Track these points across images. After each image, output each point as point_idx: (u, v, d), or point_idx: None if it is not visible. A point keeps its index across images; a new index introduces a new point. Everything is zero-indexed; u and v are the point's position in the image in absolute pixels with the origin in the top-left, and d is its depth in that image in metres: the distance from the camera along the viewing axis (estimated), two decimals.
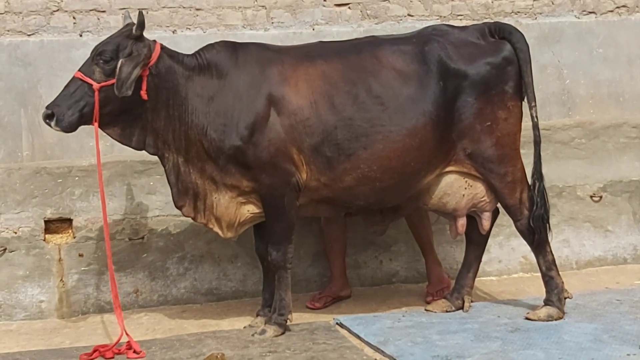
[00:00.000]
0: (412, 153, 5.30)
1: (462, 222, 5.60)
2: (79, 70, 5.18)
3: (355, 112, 5.27)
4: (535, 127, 5.45)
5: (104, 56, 5.14)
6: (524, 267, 6.62)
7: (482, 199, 5.53)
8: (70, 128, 5.15)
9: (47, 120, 5.13)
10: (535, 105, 5.43)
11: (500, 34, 5.53)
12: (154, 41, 5.29)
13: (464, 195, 5.51)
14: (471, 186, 5.50)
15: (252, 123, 5.22)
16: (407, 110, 5.29)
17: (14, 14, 6.34)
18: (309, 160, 5.27)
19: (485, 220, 5.61)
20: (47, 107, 5.15)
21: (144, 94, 5.15)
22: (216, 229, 5.46)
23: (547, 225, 5.49)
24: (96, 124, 5.15)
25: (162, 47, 5.30)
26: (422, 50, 5.38)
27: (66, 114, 5.11)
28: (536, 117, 5.43)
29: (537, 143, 5.47)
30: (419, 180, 5.42)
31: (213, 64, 5.32)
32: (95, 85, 5.11)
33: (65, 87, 5.18)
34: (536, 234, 5.45)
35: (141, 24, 5.15)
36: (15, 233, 5.87)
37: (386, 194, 5.42)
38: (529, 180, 5.50)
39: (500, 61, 5.41)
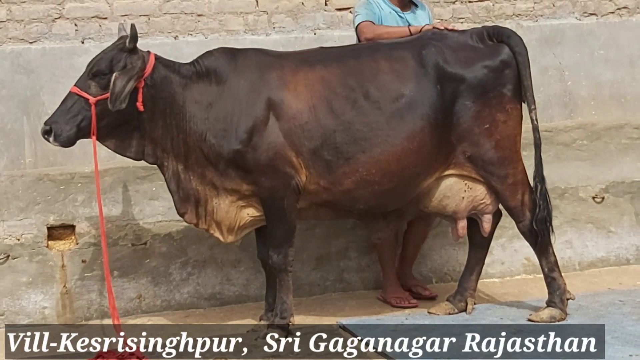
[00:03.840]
0: (411, 157, 5.31)
1: (462, 225, 5.60)
2: (75, 85, 5.24)
3: (354, 116, 5.28)
4: (536, 129, 5.46)
5: (98, 70, 5.19)
6: (527, 268, 6.61)
7: (482, 201, 5.53)
8: (68, 143, 5.22)
9: (46, 136, 5.21)
10: (535, 109, 5.44)
11: (499, 37, 5.53)
12: (148, 52, 5.32)
13: (463, 197, 5.52)
14: (471, 189, 5.51)
15: (251, 127, 5.24)
16: (405, 114, 5.31)
17: (16, 22, 6.36)
18: (308, 163, 5.29)
19: (486, 222, 5.61)
20: (45, 123, 5.23)
21: (140, 106, 5.18)
22: (217, 234, 5.48)
23: (550, 227, 5.49)
24: (94, 137, 5.19)
25: (157, 58, 5.33)
26: (419, 54, 5.39)
27: (64, 129, 5.17)
28: (536, 120, 5.44)
29: (537, 146, 5.47)
30: (419, 183, 5.42)
31: (212, 71, 5.35)
32: (92, 100, 5.16)
33: (63, 102, 5.24)
34: (539, 236, 5.46)
35: (134, 37, 5.19)
36: (18, 240, 5.88)
37: (386, 198, 5.43)
38: (531, 183, 5.51)
39: (498, 64, 5.42)
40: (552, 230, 5.51)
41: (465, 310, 5.69)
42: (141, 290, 6.06)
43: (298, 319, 5.50)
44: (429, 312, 5.72)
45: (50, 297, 5.92)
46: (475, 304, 5.74)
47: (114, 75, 5.09)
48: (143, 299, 6.07)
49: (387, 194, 5.39)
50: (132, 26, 5.20)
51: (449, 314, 5.67)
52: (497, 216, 5.72)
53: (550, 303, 5.48)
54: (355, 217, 5.73)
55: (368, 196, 5.38)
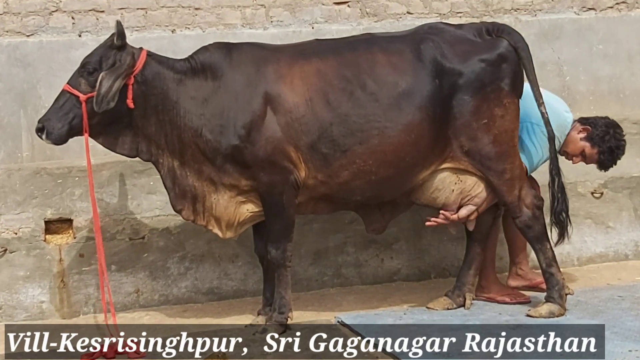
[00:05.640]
0: (408, 148, 5.31)
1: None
2: (67, 82, 5.26)
3: (350, 108, 5.27)
4: (547, 123, 5.45)
5: (87, 68, 5.22)
6: None
7: (468, 194, 5.51)
8: (60, 140, 5.26)
9: (39, 134, 5.26)
10: (543, 102, 5.44)
11: (498, 34, 5.53)
12: (140, 49, 5.32)
13: (453, 190, 5.51)
14: (461, 181, 5.50)
15: (249, 122, 5.23)
16: (402, 106, 5.30)
17: (13, 15, 6.33)
18: (306, 158, 5.28)
19: (465, 210, 5.55)
20: (38, 121, 5.28)
21: (130, 103, 5.20)
22: (216, 230, 5.48)
23: (569, 220, 5.50)
24: (86, 135, 5.21)
25: (149, 54, 5.32)
26: (417, 48, 5.38)
27: (56, 126, 5.21)
28: (546, 112, 5.44)
29: (550, 139, 5.47)
30: (415, 175, 5.42)
31: (207, 66, 5.34)
32: (82, 97, 5.19)
33: (56, 100, 5.28)
34: (557, 229, 5.49)
35: (120, 34, 5.20)
36: (16, 234, 5.87)
37: (382, 188, 5.42)
38: (548, 177, 5.51)
39: (495, 58, 5.41)
40: (570, 223, 5.52)
41: (463, 305, 5.69)
42: (139, 284, 6.06)
43: (296, 314, 5.50)
44: (427, 308, 5.71)
45: (48, 291, 5.91)
46: (473, 299, 5.73)
47: (101, 75, 5.12)
48: (141, 294, 6.06)
49: (383, 183, 5.38)
50: (118, 23, 5.23)
51: (448, 309, 5.67)
52: (494, 211, 5.71)
53: (549, 298, 5.48)
54: (352, 209, 5.72)
55: (365, 186, 5.37)
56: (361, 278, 6.42)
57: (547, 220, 5.57)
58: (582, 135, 5.85)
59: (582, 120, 5.91)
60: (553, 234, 5.56)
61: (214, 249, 6.16)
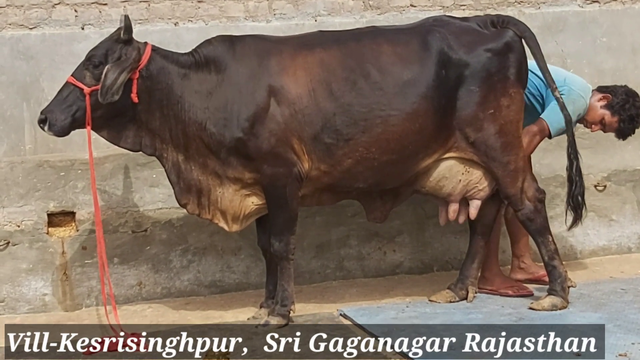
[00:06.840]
0: (411, 136, 5.31)
1: (454, 208, 5.59)
2: (72, 75, 5.25)
3: (353, 98, 5.27)
4: (563, 107, 5.45)
5: (93, 61, 5.22)
6: None
7: (475, 186, 5.52)
8: (62, 132, 5.25)
9: (41, 125, 5.25)
10: (557, 88, 5.45)
11: (503, 25, 5.53)
12: (145, 43, 5.32)
13: (460, 180, 5.51)
14: (468, 172, 5.50)
15: (252, 114, 5.22)
16: (407, 95, 5.30)
17: (16, 7, 6.34)
18: (310, 149, 5.28)
19: (473, 208, 5.57)
20: (41, 112, 5.26)
21: (134, 97, 5.19)
22: (222, 223, 5.48)
23: (584, 205, 5.53)
24: (89, 128, 5.21)
25: (154, 49, 5.32)
26: (424, 39, 5.38)
27: (58, 118, 5.20)
28: (560, 97, 5.43)
29: (568, 122, 5.48)
30: (417, 162, 5.42)
31: (211, 60, 5.34)
32: (86, 90, 5.18)
33: (59, 91, 5.28)
34: (574, 211, 5.53)
35: (128, 28, 5.20)
36: (19, 226, 5.87)
37: (385, 174, 5.41)
38: (566, 161, 5.55)
39: (502, 47, 5.42)
40: (585, 207, 5.54)
41: (466, 298, 5.69)
42: (141, 277, 6.06)
43: (298, 307, 5.50)
44: (430, 300, 5.71)
45: (51, 284, 5.91)
46: (476, 292, 5.73)
47: (107, 67, 5.12)
48: (143, 286, 6.06)
49: (386, 169, 5.38)
50: (126, 17, 5.22)
51: (450, 302, 5.67)
52: (498, 204, 5.70)
53: (551, 291, 5.48)
54: (354, 197, 5.70)
55: (367, 173, 5.37)
56: (364, 271, 6.42)
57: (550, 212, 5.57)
58: (603, 103, 5.85)
59: (602, 88, 5.92)
60: (568, 218, 5.58)
61: (216, 241, 6.16)
